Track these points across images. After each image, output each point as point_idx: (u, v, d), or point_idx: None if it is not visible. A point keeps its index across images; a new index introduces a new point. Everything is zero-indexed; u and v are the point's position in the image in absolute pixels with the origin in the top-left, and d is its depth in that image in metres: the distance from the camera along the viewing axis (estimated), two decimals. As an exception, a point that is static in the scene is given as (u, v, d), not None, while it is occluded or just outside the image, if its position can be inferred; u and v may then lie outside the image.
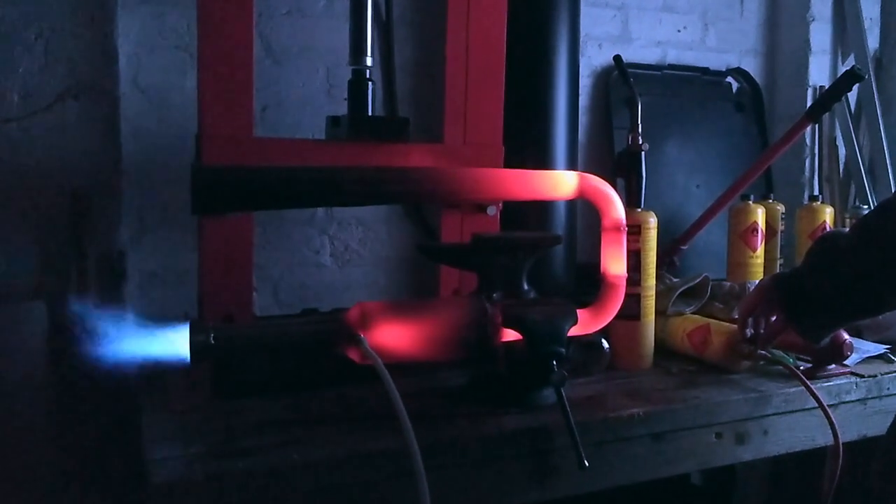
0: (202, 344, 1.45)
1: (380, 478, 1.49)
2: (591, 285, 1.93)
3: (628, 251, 1.91)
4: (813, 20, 3.16)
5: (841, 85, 2.50)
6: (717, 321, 2.14)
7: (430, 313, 1.61)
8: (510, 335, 1.67)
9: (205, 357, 1.46)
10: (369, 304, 1.59)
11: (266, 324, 1.64)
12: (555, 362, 1.61)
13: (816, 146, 3.18)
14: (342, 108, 2.03)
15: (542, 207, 2.39)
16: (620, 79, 2.35)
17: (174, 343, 1.42)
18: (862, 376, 2.02)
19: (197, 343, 1.44)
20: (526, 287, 1.81)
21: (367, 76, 2.00)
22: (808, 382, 1.88)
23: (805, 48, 3.18)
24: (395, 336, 1.56)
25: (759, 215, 2.62)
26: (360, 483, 1.48)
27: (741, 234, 2.63)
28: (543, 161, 2.37)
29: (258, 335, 1.55)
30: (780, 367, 1.98)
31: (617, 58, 2.34)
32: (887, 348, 2.18)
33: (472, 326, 1.62)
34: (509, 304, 1.69)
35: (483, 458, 1.58)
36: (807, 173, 3.20)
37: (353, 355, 1.55)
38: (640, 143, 2.12)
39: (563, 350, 1.64)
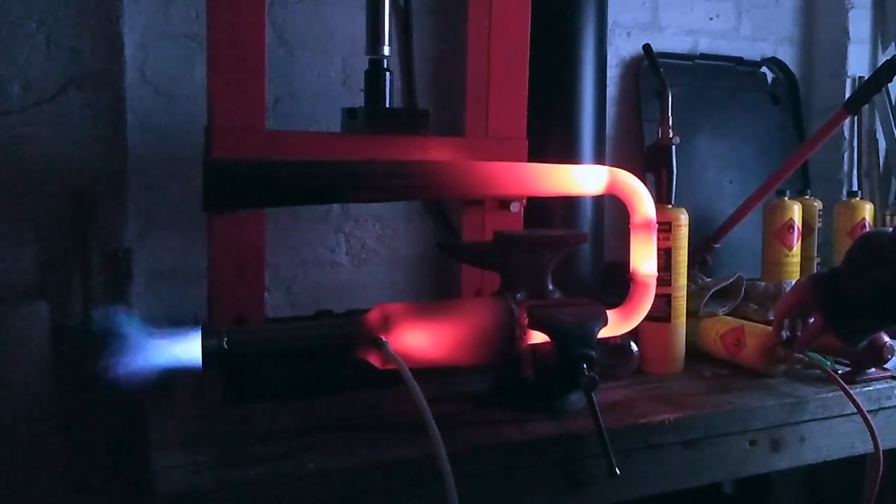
0: (215, 349, 1.44)
1: (399, 487, 1.48)
2: (618, 285, 1.92)
3: (658, 250, 1.90)
4: (852, 7, 3.15)
5: (881, 75, 2.48)
6: (751, 323, 2.13)
7: (453, 315, 1.61)
8: (537, 337, 1.66)
9: (218, 363, 1.46)
10: (390, 305, 1.58)
11: (282, 327, 1.63)
12: (585, 365, 1.60)
13: (855, 139, 3.17)
14: (359, 100, 2.03)
15: (568, 204, 2.37)
16: (650, 69, 2.34)
17: (185, 347, 1.41)
18: (904, 381, 2.01)
19: (210, 348, 1.43)
20: (551, 287, 1.80)
21: (385, 66, 2.00)
22: (846, 387, 1.86)
23: (843, 36, 3.16)
24: (417, 339, 1.55)
25: (796, 212, 2.61)
26: (379, 492, 1.48)
27: (776, 232, 2.61)
28: (569, 155, 2.36)
29: (274, 339, 1.54)
30: (818, 371, 1.97)
31: (646, 47, 2.33)
32: (930, 352, 2.16)
33: (499, 329, 1.61)
34: (535, 305, 1.68)
35: (507, 467, 1.57)
36: (845, 168, 3.18)
37: (373, 359, 1.54)
38: (671, 136, 2.11)
39: (594, 353, 1.63)
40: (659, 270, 1.90)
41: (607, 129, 2.63)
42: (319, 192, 1.79)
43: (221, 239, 1.75)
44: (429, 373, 1.53)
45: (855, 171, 3.18)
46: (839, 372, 1.94)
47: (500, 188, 1.91)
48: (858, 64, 3.17)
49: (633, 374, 2.00)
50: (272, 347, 1.53)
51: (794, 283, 2.10)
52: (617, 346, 1.96)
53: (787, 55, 3.20)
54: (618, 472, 1.54)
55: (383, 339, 1.51)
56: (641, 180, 1.89)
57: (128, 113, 2.09)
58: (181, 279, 2.23)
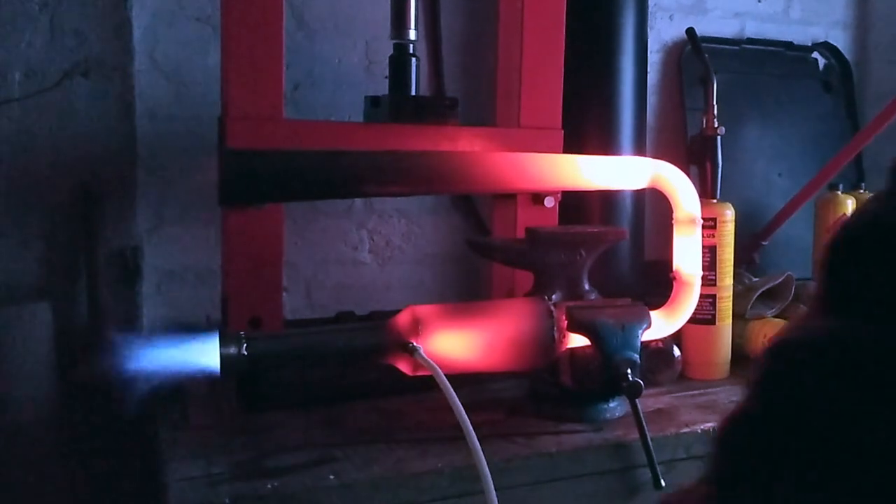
0: (234, 357, 1.42)
1: (426, 501, 1.48)
2: (660, 286, 1.91)
3: (703, 247, 1.89)
4: (910, -12, 3.13)
5: (942, 60, 2.47)
6: (802, 326, 2.11)
7: (488, 317, 1.59)
8: (575, 340, 1.66)
9: (236, 371, 1.44)
10: (421, 307, 1.57)
11: (306, 331, 1.60)
12: (629, 370, 1.60)
13: (913, 129, 3.15)
14: (383, 87, 2.02)
15: (606, 198, 2.36)
16: (694, 54, 2.33)
17: (201, 353, 1.40)
18: (968, 389, 1.98)
19: (228, 356, 1.42)
20: (587, 287, 1.80)
21: (411, 51, 1.99)
22: (903, 395, 1.85)
23: (900, 19, 3.14)
24: (451, 344, 1.53)
25: (849, 207, 2.59)
26: (404, 507, 1.47)
27: (829, 228, 2.59)
28: (607, 146, 2.34)
29: (299, 345, 1.52)
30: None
31: (690, 31, 2.32)
32: None
33: (538, 332, 1.59)
34: (574, 306, 1.67)
35: (543, 479, 1.57)
36: (902, 160, 3.16)
37: (403, 366, 1.53)
38: (716, 126, 2.10)
39: (638, 357, 1.62)
40: (703, 270, 1.88)
41: (648, 119, 2.61)
42: (341, 185, 1.79)
43: (237, 235, 1.74)
44: (458, 379, 1.52)
45: (913, 164, 3.15)
46: None
47: (533, 181, 1.91)
48: (917, 48, 3.16)
49: (675, 379, 1.99)
50: (296, 354, 1.51)
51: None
52: (658, 351, 1.95)
53: (840, 39, 3.17)
54: (663, 483, 1.53)
55: (416, 344, 1.50)
56: (685, 173, 1.88)
57: (136, 101, 2.09)
58: (193, 278, 2.23)
